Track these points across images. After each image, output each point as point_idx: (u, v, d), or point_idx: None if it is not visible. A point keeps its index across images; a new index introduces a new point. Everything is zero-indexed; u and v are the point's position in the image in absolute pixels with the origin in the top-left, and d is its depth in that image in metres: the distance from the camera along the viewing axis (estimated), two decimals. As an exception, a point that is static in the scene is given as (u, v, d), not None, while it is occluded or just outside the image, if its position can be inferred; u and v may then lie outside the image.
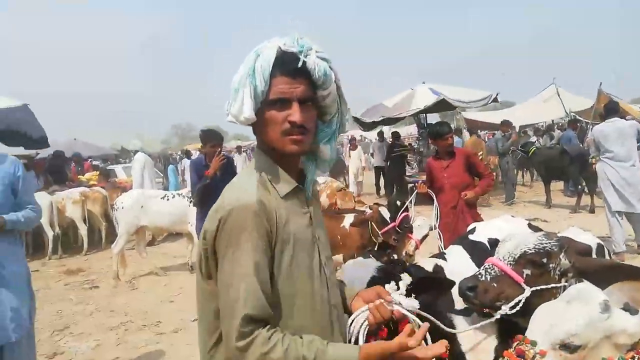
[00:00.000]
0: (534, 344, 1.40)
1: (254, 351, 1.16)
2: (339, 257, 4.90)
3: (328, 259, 1.44)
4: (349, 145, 16.02)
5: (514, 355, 1.42)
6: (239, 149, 20.39)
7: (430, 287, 1.76)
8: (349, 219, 5.07)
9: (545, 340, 1.39)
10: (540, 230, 2.62)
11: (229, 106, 1.27)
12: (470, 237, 2.60)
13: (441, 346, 1.27)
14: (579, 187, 9.96)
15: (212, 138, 4.95)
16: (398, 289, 1.54)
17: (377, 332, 1.53)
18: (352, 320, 1.46)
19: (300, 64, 1.25)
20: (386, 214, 4.62)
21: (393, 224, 4.49)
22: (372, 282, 1.97)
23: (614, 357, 1.35)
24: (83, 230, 9.18)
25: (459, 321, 1.98)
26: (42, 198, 7.96)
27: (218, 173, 4.80)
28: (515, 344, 1.45)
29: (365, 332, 1.43)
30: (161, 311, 5.66)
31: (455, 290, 2.18)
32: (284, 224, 1.27)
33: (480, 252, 2.39)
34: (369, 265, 2.11)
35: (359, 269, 2.10)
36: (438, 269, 2.23)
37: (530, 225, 2.66)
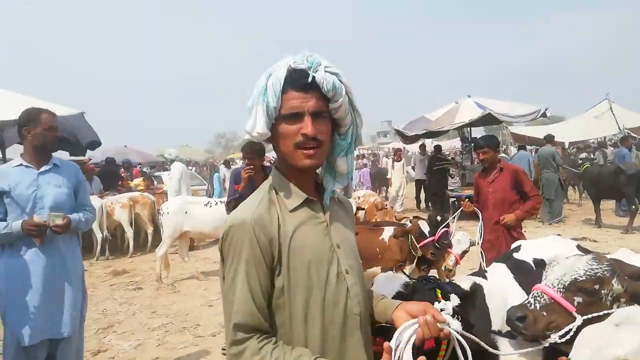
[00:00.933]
0: None
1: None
2: (376, 270, 4.87)
3: (351, 267, 1.42)
4: (392, 156, 15.27)
5: None
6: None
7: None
8: (388, 231, 5.03)
9: None
10: (589, 252, 2.52)
11: (246, 122, 1.36)
12: (515, 255, 2.50)
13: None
14: (633, 207, 9.47)
15: (244, 149, 4.87)
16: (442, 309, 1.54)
17: (421, 347, 1.47)
18: (399, 332, 1.39)
19: (310, 79, 1.30)
20: (425, 228, 4.56)
21: (432, 238, 4.43)
22: (397, 297, 1.96)
23: None
24: (129, 233, 9.52)
25: (502, 343, 1.93)
26: (93, 201, 8.32)
27: (253, 184, 4.74)
28: None
29: (411, 345, 1.37)
30: (201, 314, 5.78)
31: (494, 310, 2.12)
32: (290, 236, 1.32)
33: (524, 272, 2.30)
34: (397, 280, 2.09)
35: (387, 283, 2.08)
36: (476, 287, 2.17)
37: (579, 247, 2.55)
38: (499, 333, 1.82)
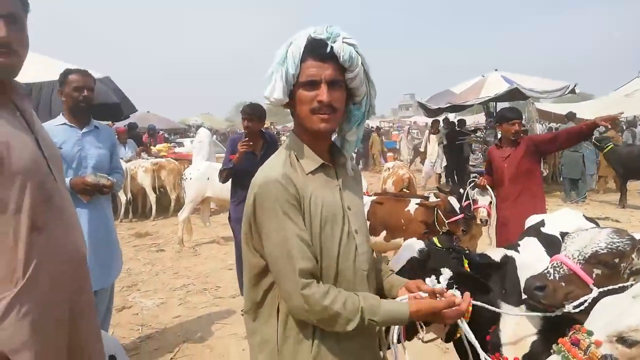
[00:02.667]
0: (590, 333, 1.37)
1: (316, 304, 1.31)
2: (400, 241, 4.90)
3: (360, 227, 1.53)
4: (429, 129, 14.19)
5: (569, 342, 1.40)
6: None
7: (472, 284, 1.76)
8: (413, 203, 5.03)
9: (602, 331, 1.36)
10: (597, 224, 2.51)
11: (265, 89, 1.41)
12: (543, 229, 2.51)
13: (466, 299, 1.50)
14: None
15: (245, 111, 4.56)
16: (439, 282, 1.60)
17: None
18: None
19: (328, 49, 1.37)
20: (456, 205, 4.47)
21: (461, 215, 4.37)
22: (410, 263, 2.00)
23: None
24: (152, 197, 9.73)
25: (507, 309, 1.95)
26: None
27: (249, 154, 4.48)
28: (572, 332, 1.43)
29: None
30: (221, 277, 5.95)
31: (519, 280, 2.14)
32: (309, 196, 1.40)
33: (555, 246, 2.31)
34: (414, 246, 2.12)
35: (407, 249, 2.12)
36: (507, 260, 2.18)
37: (588, 220, 2.54)
38: (504, 299, 1.85)
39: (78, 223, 1.70)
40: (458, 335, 1.84)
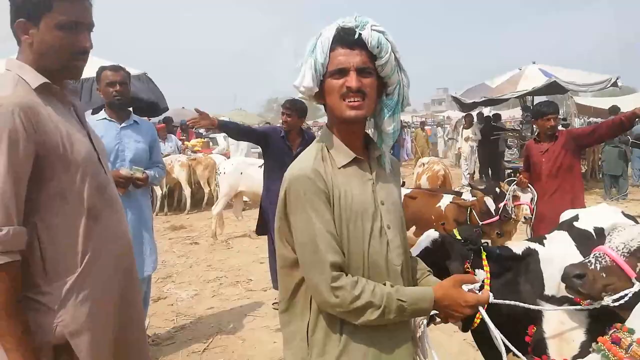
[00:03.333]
0: (631, 331, 1.35)
1: (346, 296, 1.31)
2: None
3: (393, 222, 1.50)
4: (463, 122, 13.75)
5: (609, 341, 1.37)
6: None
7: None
8: (446, 199, 4.95)
9: None
10: (636, 221, 2.42)
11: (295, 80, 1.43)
12: (576, 224, 2.45)
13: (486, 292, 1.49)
14: None
15: (285, 104, 4.47)
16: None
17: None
18: None
19: (356, 36, 1.37)
20: (492, 206, 4.39)
21: (496, 217, 4.30)
22: (424, 252, 1.99)
23: None
24: (187, 191, 9.94)
25: (548, 307, 1.92)
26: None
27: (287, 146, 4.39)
28: (612, 331, 1.40)
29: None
30: (252, 270, 6.04)
31: (550, 275, 2.10)
32: (339, 190, 1.40)
33: (586, 241, 2.26)
34: (430, 236, 2.10)
35: (422, 240, 2.12)
36: (529, 252, 2.14)
37: (628, 217, 2.46)
38: (552, 299, 1.81)
39: (124, 213, 1.81)
40: (475, 324, 1.83)
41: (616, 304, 1.59)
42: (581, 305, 1.75)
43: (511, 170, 11.39)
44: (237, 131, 4.63)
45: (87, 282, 1.54)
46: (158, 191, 9.59)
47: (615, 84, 10.83)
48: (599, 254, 1.70)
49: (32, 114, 1.44)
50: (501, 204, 4.36)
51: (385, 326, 1.40)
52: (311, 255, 1.35)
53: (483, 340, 1.89)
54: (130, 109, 3.55)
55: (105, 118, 3.32)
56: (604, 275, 1.64)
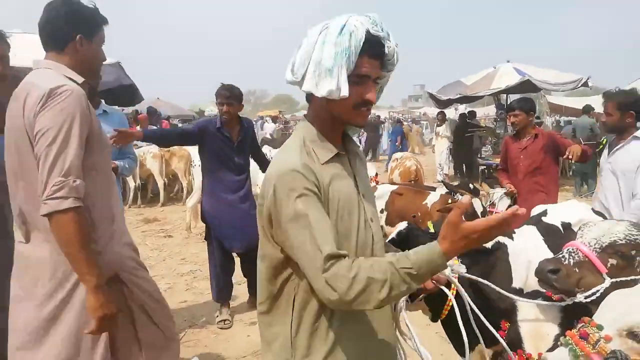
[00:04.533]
0: (600, 327, 1.35)
1: (343, 282, 1.22)
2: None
3: (374, 215, 1.51)
4: (436, 121, 13.92)
5: (577, 336, 1.37)
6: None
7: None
8: (433, 197, 4.93)
9: (613, 326, 1.34)
10: (604, 217, 2.48)
11: (317, 80, 1.33)
12: (544, 219, 2.50)
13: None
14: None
15: (222, 93, 4.05)
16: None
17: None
18: None
19: (386, 50, 1.36)
20: (479, 208, 4.36)
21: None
22: (390, 242, 2.02)
23: None
24: (160, 183, 9.78)
25: (521, 303, 1.94)
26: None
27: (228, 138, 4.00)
28: (580, 325, 1.41)
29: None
30: (227, 264, 5.97)
31: (517, 269, 2.13)
32: (327, 185, 1.37)
33: (553, 235, 2.30)
34: (397, 228, 2.13)
35: (393, 232, 2.13)
36: (498, 246, 2.18)
37: (596, 213, 2.52)
38: (520, 292, 1.84)
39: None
40: (444, 314, 1.85)
41: (588, 300, 1.62)
42: (553, 300, 1.78)
43: (485, 167, 11.61)
44: (166, 138, 4.36)
45: (122, 229, 2.12)
46: (131, 183, 9.40)
47: (585, 84, 11.11)
48: (572, 249, 1.72)
49: (87, 101, 1.92)
50: (488, 206, 4.36)
51: (371, 324, 1.41)
52: (307, 249, 1.27)
53: (454, 333, 1.91)
54: (102, 100, 3.45)
55: None
56: (577, 270, 1.67)
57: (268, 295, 1.45)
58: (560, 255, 1.73)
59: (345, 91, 1.31)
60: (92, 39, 2.01)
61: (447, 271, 1.57)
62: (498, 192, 4.42)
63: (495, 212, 4.26)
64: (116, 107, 9.26)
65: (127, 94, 9.16)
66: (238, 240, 4.27)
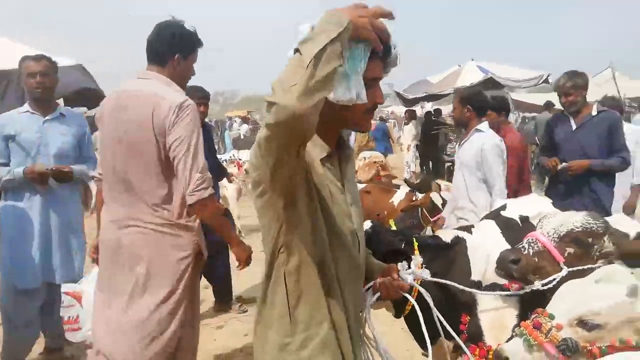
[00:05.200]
0: (551, 317, 1.40)
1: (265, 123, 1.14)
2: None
3: (360, 223, 1.51)
4: (404, 118, 14.03)
5: (531, 326, 1.42)
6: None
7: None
8: (399, 194, 4.95)
9: (564, 315, 1.39)
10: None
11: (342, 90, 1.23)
12: (502, 213, 2.55)
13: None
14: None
15: (197, 93, 3.87)
16: (409, 267, 1.64)
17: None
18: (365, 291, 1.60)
19: (392, 56, 1.36)
20: (438, 201, 4.38)
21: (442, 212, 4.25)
22: None
23: (632, 341, 1.32)
24: (126, 187, 9.49)
25: (481, 296, 1.97)
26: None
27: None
28: (534, 316, 1.46)
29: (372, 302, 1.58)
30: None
31: (476, 263, 2.17)
32: (323, 186, 1.35)
33: (511, 229, 2.35)
34: (365, 225, 2.13)
35: None
36: (457, 241, 2.22)
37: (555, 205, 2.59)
38: (479, 285, 1.87)
39: None
40: (407, 310, 1.87)
41: (545, 287, 1.68)
42: (510, 290, 1.81)
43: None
44: None
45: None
46: (94, 188, 9.10)
47: (546, 81, 11.43)
48: (532, 240, 1.79)
49: None
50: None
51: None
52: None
53: (416, 328, 1.92)
54: (61, 100, 3.34)
55: (27, 111, 3.10)
56: (536, 259, 1.73)
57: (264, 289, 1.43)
58: (520, 246, 1.79)
59: (364, 96, 1.24)
60: (187, 58, 2.36)
61: (410, 278, 1.58)
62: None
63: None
64: (84, 108, 9.03)
65: (90, 96, 8.92)
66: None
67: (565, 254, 1.73)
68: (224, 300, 4.64)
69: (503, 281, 1.88)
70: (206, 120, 4.51)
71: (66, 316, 2.69)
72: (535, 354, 1.38)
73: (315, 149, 1.38)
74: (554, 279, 1.67)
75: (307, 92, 1.05)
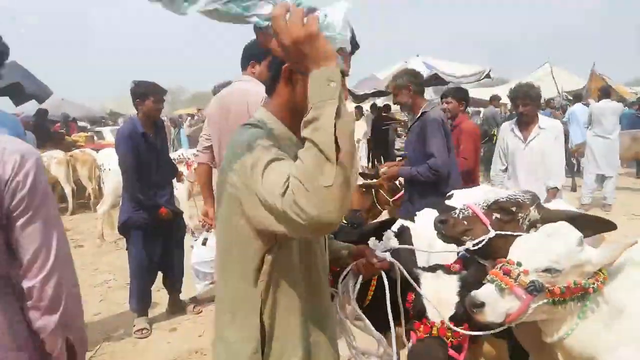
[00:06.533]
0: (519, 264, 1.60)
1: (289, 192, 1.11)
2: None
3: None
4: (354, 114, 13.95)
5: (501, 273, 1.61)
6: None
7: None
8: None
9: (528, 263, 1.60)
10: None
11: None
12: (447, 202, 2.68)
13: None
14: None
15: (152, 92, 3.99)
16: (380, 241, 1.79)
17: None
18: (343, 278, 1.69)
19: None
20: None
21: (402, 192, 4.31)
22: None
23: (582, 282, 1.60)
24: (67, 190, 9.15)
25: (424, 276, 2.07)
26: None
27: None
28: (501, 264, 1.64)
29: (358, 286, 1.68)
30: (145, 271, 5.73)
31: (420, 247, 2.29)
32: None
33: None
34: None
35: None
36: (403, 230, 2.33)
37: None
38: (424, 268, 1.98)
39: None
40: (367, 301, 1.93)
41: (475, 247, 1.89)
42: (452, 272, 1.93)
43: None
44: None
45: None
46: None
47: (488, 76, 11.91)
48: (464, 208, 2.02)
49: None
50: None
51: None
52: (278, 191, 1.11)
53: (374, 317, 1.99)
54: None
55: None
56: (466, 223, 1.96)
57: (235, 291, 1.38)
58: (453, 212, 2.03)
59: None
60: (260, 63, 2.95)
61: (387, 255, 1.70)
62: None
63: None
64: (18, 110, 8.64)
65: (13, 91, 8.54)
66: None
67: (493, 219, 1.93)
68: (176, 288, 4.61)
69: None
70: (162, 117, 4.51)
71: None
72: (507, 297, 1.58)
73: (283, 141, 1.34)
74: (483, 240, 1.88)
75: (345, 184, 1.04)
